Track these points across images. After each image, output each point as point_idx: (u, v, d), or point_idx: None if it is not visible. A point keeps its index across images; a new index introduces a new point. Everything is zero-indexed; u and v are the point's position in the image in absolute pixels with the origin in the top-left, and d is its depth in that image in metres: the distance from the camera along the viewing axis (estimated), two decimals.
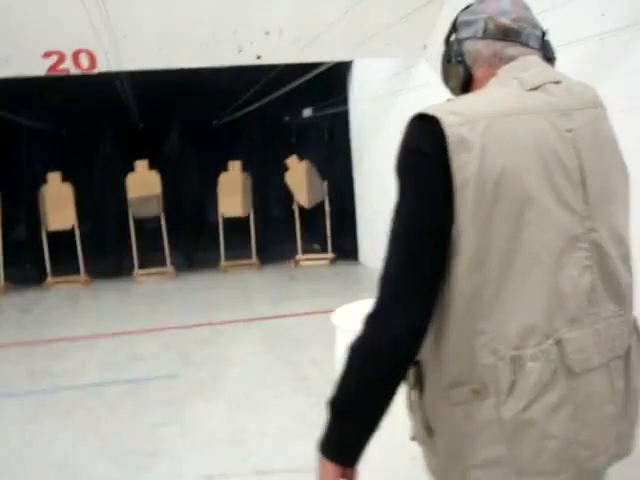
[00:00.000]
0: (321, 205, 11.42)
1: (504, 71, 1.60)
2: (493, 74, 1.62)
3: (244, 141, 11.95)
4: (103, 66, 7.07)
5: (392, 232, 1.51)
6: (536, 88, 1.54)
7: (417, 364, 1.57)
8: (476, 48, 1.64)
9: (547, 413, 1.42)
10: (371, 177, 10.63)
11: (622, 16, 4.89)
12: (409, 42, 7.87)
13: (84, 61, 7.00)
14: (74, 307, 8.92)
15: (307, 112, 11.41)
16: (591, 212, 1.50)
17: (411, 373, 1.59)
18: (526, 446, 1.43)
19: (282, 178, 11.27)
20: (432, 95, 7.46)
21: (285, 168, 11.25)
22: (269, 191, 11.74)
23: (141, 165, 10.71)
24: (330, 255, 11.44)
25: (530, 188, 1.43)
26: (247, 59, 7.75)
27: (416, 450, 1.72)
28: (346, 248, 11.43)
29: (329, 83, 10.89)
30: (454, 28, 1.72)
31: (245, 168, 11.18)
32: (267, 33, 7.43)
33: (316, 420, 4.32)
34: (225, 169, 11.10)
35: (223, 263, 11.19)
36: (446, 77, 1.73)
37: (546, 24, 1.76)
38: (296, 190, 11.34)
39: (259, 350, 6.46)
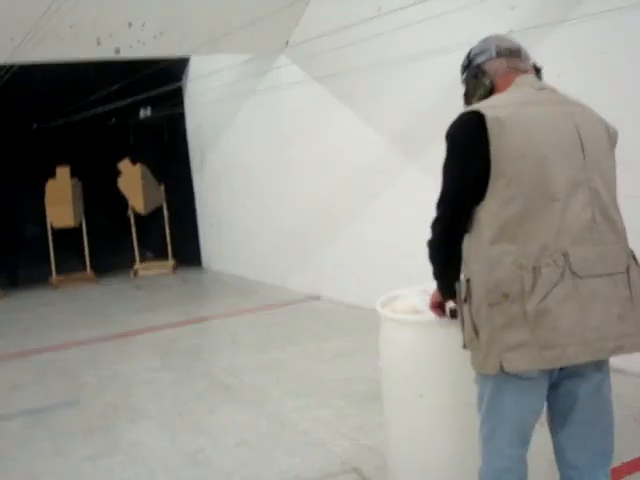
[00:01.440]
0: (159, 210, 10.87)
1: (521, 79, 2.29)
2: (510, 82, 2.30)
3: (72, 145, 11.03)
4: None
5: (444, 175, 2.23)
6: (542, 89, 2.27)
7: (467, 282, 2.16)
8: (495, 65, 2.34)
9: (557, 303, 2.00)
10: (215, 179, 10.31)
11: (532, 11, 5.14)
12: (272, 38, 7.70)
13: None
14: None
15: (143, 113, 10.79)
16: (588, 167, 2.12)
17: (463, 290, 2.18)
18: (544, 327, 2.00)
19: (115, 183, 10.58)
20: (289, 97, 7.45)
21: (118, 172, 10.58)
22: (101, 198, 10.93)
23: None
24: (171, 262, 10.93)
25: (546, 149, 2.08)
26: (105, 52, 7.14)
27: None
28: (187, 254, 11.00)
29: (163, 83, 10.40)
30: (469, 60, 2.41)
31: (74, 174, 10.35)
32: (130, 25, 6.87)
33: (267, 429, 4.06)
34: (52, 176, 10.20)
35: (55, 278, 10.27)
36: (475, 89, 2.37)
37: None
38: (131, 195, 10.71)
39: (157, 365, 5.96)
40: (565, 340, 2.01)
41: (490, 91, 2.34)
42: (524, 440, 2.23)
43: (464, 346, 2.23)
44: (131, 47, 7.27)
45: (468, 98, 2.43)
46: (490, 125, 2.07)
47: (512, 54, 2.37)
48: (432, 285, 2.57)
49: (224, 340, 6.73)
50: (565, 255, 2.03)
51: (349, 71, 6.91)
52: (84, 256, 10.48)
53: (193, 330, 7.29)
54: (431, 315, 2.73)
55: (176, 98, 10.51)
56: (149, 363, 6.02)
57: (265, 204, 8.96)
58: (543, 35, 4.97)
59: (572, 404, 2.21)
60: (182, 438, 4.33)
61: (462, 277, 2.23)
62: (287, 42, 7.91)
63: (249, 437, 4.23)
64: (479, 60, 2.39)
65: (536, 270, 2.02)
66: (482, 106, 2.16)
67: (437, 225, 2.27)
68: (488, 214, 2.09)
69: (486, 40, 2.44)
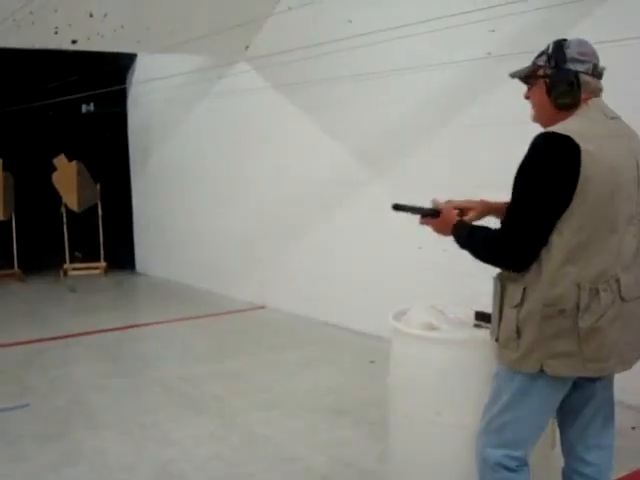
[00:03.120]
0: (93, 209, 10.50)
1: (593, 102, 2.32)
2: (585, 100, 2.31)
3: (6, 137, 10.53)
4: None
5: (525, 201, 2.24)
6: (612, 118, 2.33)
7: (524, 290, 2.26)
8: (588, 81, 2.31)
9: (608, 323, 2.20)
10: (156, 181, 10.06)
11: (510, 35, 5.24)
12: (232, 43, 7.60)
13: None
14: None
15: (85, 108, 10.42)
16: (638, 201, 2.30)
17: (518, 294, 2.27)
18: (592, 344, 2.20)
19: (49, 179, 10.17)
20: (246, 103, 7.42)
21: (53, 168, 10.17)
22: (34, 193, 10.47)
23: None
24: (103, 264, 10.57)
25: (616, 185, 2.21)
26: (61, 42, 6.87)
27: None
28: (120, 256, 10.67)
29: (108, 80, 10.11)
30: (565, 59, 2.31)
31: (6, 167, 9.89)
32: (91, 15, 6.63)
33: (239, 441, 3.94)
34: None
35: None
36: (562, 95, 2.31)
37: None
38: (65, 192, 10.30)
39: (107, 370, 5.73)
40: (608, 355, 2.24)
41: (573, 105, 2.31)
42: (535, 437, 2.41)
43: (496, 339, 2.39)
44: (89, 39, 7.04)
45: (544, 94, 2.34)
46: (584, 159, 2.14)
47: (600, 77, 2.37)
48: (440, 302, 2.57)
49: (173, 347, 6.54)
50: (617, 281, 2.24)
51: (314, 82, 6.87)
52: (12, 252, 10.00)
53: (138, 335, 7.08)
54: (449, 330, 2.73)
55: (120, 96, 10.22)
56: (98, 368, 5.78)
57: (211, 210, 8.80)
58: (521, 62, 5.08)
59: (586, 401, 2.43)
60: (148, 448, 4.16)
61: (514, 284, 2.30)
62: (247, 47, 7.81)
63: (221, 450, 4.11)
64: (579, 68, 2.31)
65: (592, 291, 2.19)
66: (573, 133, 2.17)
67: (501, 244, 2.28)
68: (559, 237, 2.21)
69: (585, 47, 2.35)
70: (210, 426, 4.47)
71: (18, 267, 10.08)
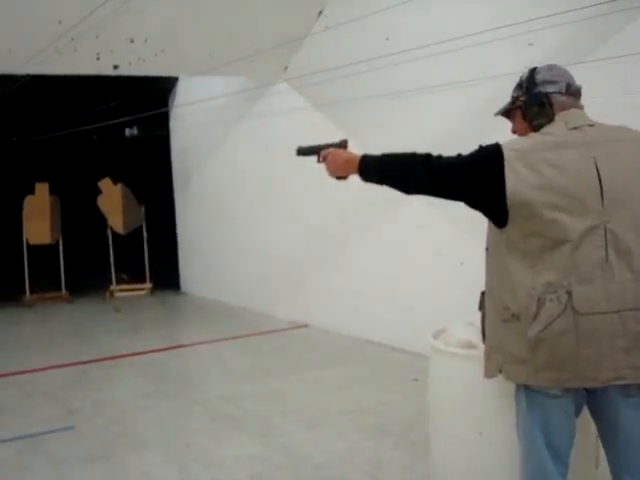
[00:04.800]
0: (138, 231, 10.65)
1: (559, 116, 2.35)
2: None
3: (52, 161, 10.76)
4: None
5: (459, 155, 2.38)
6: (574, 128, 2.30)
7: (483, 294, 2.44)
8: (561, 100, 2.36)
9: (555, 335, 2.18)
10: (199, 202, 10.15)
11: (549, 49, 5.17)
12: (271, 63, 7.66)
13: None
14: None
15: (129, 132, 10.61)
16: (608, 209, 2.21)
17: (480, 299, 2.46)
18: (541, 353, 2.21)
19: (95, 202, 10.36)
20: (285, 123, 7.41)
21: (98, 191, 10.36)
22: (80, 216, 10.66)
23: None
24: (148, 285, 10.70)
25: (558, 197, 2.20)
26: (103, 68, 7.01)
27: None
28: (166, 277, 10.78)
29: (151, 104, 10.28)
30: (534, 83, 2.40)
31: (53, 191, 10.10)
32: (132, 41, 6.75)
33: (281, 462, 3.88)
34: (31, 192, 9.94)
35: (28, 297, 9.95)
36: (535, 117, 2.38)
37: None
38: (110, 215, 10.48)
39: (150, 390, 5.76)
40: (560, 366, 2.21)
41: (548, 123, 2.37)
42: (559, 458, 2.32)
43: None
44: (130, 64, 7.15)
45: (523, 120, 2.44)
46: (509, 175, 2.22)
47: (576, 94, 2.42)
48: (477, 319, 2.55)
49: (216, 366, 6.55)
50: (569, 293, 2.19)
51: (352, 100, 6.87)
52: (59, 275, 10.18)
53: (182, 355, 7.12)
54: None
55: (162, 119, 10.37)
56: (142, 389, 5.82)
57: (253, 229, 8.84)
58: None
59: (612, 429, 2.34)
60: (191, 470, 4.16)
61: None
62: (286, 68, 7.86)
63: (263, 470, 4.09)
64: (549, 90, 2.39)
65: (540, 301, 2.20)
66: (508, 146, 2.29)
67: (430, 167, 2.39)
68: (510, 242, 2.28)
69: (555, 70, 2.44)
70: (253, 446, 4.46)
71: (65, 289, 10.25)
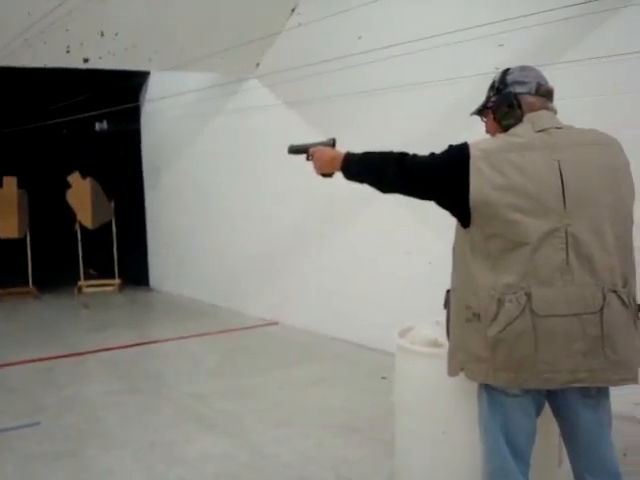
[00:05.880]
0: (107, 227, 10.55)
1: (527, 117, 2.35)
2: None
3: (20, 155, 10.60)
4: None
5: (431, 154, 2.41)
6: (541, 130, 2.30)
7: (448, 292, 2.45)
8: (531, 102, 2.38)
9: (514, 336, 2.19)
10: (169, 198, 10.09)
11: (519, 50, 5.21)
12: (242, 60, 7.62)
13: None
14: None
15: (99, 126, 10.50)
16: (570, 213, 2.21)
17: (445, 297, 2.48)
18: (500, 353, 2.22)
19: (63, 196, 10.24)
20: (259, 120, 7.41)
21: (67, 186, 10.24)
22: (48, 210, 10.52)
23: None
24: (117, 281, 10.61)
25: (517, 198, 2.20)
26: (73, 61, 6.92)
27: None
28: (135, 273, 10.69)
29: (121, 98, 10.19)
30: (505, 84, 2.43)
31: (21, 185, 9.96)
32: (102, 34, 6.68)
33: (248, 460, 3.89)
34: None
35: None
36: (504, 117, 2.41)
37: None
38: (79, 210, 10.37)
39: (119, 388, 5.71)
40: (518, 367, 2.22)
41: (517, 125, 2.38)
42: (519, 457, 2.35)
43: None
44: (100, 58, 7.07)
45: (493, 121, 2.47)
46: (472, 170, 2.25)
47: (547, 95, 2.43)
48: (443, 318, 2.57)
49: (185, 364, 6.52)
50: (528, 295, 2.20)
51: (324, 98, 6.87)
52: (26, 270, 10.06)
53: (150, 352, 7.07)
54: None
55: (133, 114, 10.28)
56: (110, 386, 5.77)
57: (224, 226, 8.80)
58: None
59: (573, 430, 2.37)
60: (157, 467, 4.13)
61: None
62: (258, 64, 7.84)
63: (230, 468, 4.07)
64: (518, 90, 2.40)
65: (500, 301, 2.22)
66: (475, 146, 2.31)
67: (402, 165, 2.42)
68: (474, 243, 2.30)
69: (526, 70, 2.46)
70: (220, 444, 4.44)
71: (33, 284, 10.13)
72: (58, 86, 9.81)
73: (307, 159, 2.72)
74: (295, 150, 2.80)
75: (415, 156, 2.44)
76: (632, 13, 4.43)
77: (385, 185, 2.54)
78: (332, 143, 2.68)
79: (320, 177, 2.72)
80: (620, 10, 4.48)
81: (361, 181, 2.58)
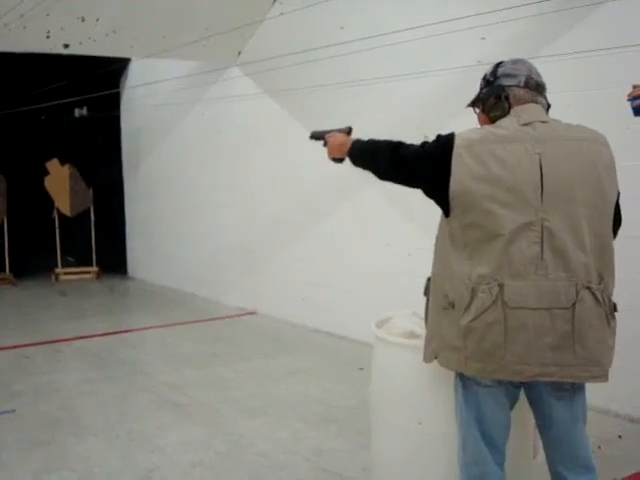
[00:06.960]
0: (86, 214, 10.48)
1: (514, 110, 2.37)
2: None
3: None
4: None
5: (422, 143, 2.42)
6: (526, 124, 2.30)
7: (429, 279, 2.47)
8: (519, 94, 2.39)
9: (484, 326, 2.21)
10: (149, 186, 10.03)
11: (501, 43, 5.23)
12: (224, 48, 7.58)
13: None
14: None
15: (78, 112, 10.40)
16: (546, 207, 2.21)
17: (426, 285, 2.49)
18: (471, 342, 2.25)
19: (42, 183, 10.15)
20: (239, 109, 7.40)
21: (45, 172, 10.15)
22: (26, 197, 10.41)
23: None
24: (95, 269, 10.54)
25: (494, 189, 2.21)
26: (53, 46, 6.85)
27: None
28: (113, 261, 10.63)
29: (101, 84, 10.09)
30: (495, 77, 2.45)
31: None
32: (83, 19, 6.61)
33: (224, 449, 3.88)
34: None
35: None
36: (492, 109, 2.43)
37: None
38: (57, 196, 10.29)
39: (95, 376, 5.68)
40: (486, 358, 2.25)
41: (504, 117, 2.40)
42: (494, 447, 2.38)
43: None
44: (81, 44, 7.02)
45: (482, 112, 2.50)
46: (454, 160, 2.27)
47: (537, 89, 2.43)
48: (421, 309, 2.58)
49: (162, 353, 6.50)
50: (501, 286, 2.21)
51: (305, 88, 6.86)
52: (3, 256, 9.97)
53: (127, 340, 7.04)
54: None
55: (113, 100, 10.19)
56: (86, 374, 5.74)
57: (204, 215, 8.78)
58: None
59: (547, 423, 2.39)
60: (133, 455, 4.12)
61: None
62: (239, 53, 7.80)
63: (206, 457, 4.06)
64: (505, 83, 2.42)
65: (474, 291, 2.24)
66: (460, 136, 2.34)
67: (396, 153, 2.47)
68: (452, 232, 2.33)
69: (518, 64, 2.46)
70: (196, 433, 4.43)
71: (9, 271, 10.05)
72: (37, 72, 9.68)
73: (324, 145, 2.84)
74: (316, 136, 2.93)
75: (410, 145, 2.49)
76: (613, 7, 4.45)
77: (381, 171, 2.60)
78: (348, 131, 2.81)
79: (331, 162, 2.85)
80: (602, 4, 4.50)
81: (363, 167, 2.66)
